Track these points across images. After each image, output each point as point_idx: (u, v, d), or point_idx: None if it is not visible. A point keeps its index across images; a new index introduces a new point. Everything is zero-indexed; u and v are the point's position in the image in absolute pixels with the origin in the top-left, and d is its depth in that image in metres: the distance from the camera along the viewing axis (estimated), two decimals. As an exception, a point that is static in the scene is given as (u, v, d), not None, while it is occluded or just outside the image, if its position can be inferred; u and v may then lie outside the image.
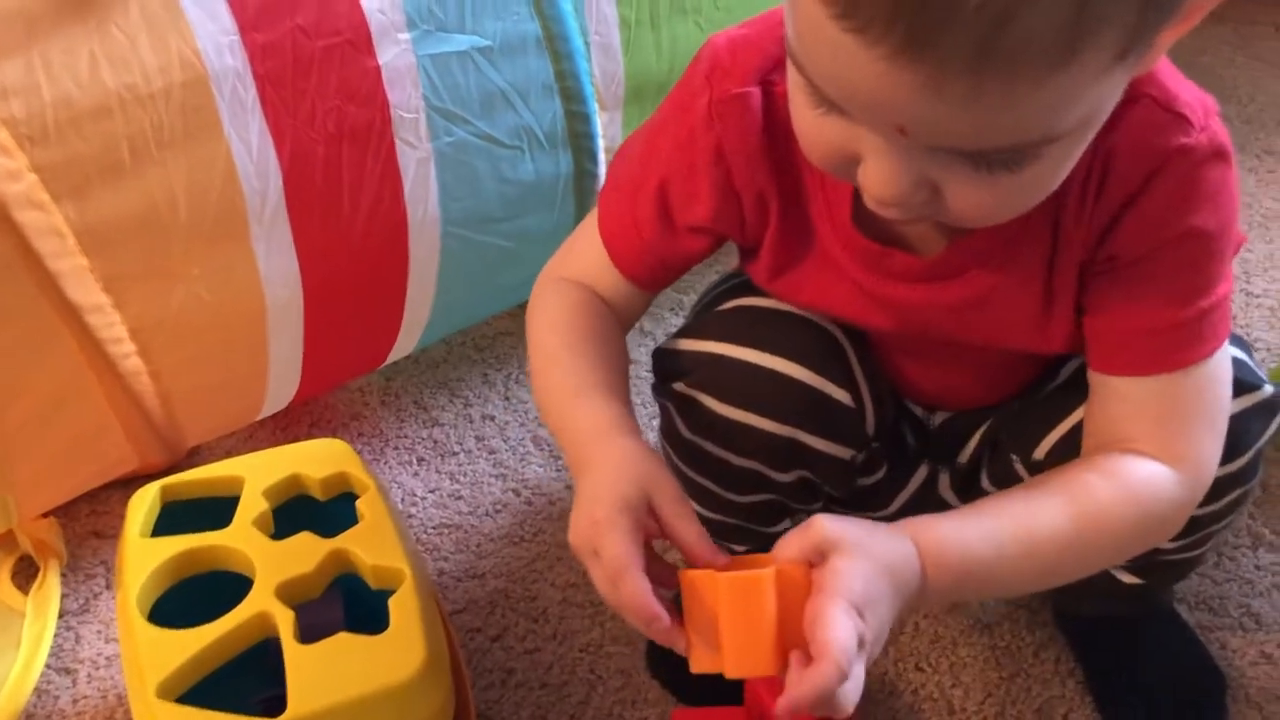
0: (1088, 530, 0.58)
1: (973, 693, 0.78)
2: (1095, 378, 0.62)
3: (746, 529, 0.75)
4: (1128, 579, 0.73)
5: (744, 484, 0.70)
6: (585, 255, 0.69)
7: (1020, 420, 0.70)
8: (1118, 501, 0.59)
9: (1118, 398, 0.61)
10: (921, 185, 0.51)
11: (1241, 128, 1.40)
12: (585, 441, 0.60)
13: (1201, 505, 0.63)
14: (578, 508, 0.57)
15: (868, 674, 0.77)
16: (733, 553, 0.77)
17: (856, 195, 0.57)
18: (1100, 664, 0.79)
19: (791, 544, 0.54)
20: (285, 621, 0.63)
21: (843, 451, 0.69)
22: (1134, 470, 0.59)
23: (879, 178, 0.51)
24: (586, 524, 0.56)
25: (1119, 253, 0.59)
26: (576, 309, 0.67)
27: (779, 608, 0.52)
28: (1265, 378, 0.65)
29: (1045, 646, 0.81)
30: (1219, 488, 0.63)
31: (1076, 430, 0.66)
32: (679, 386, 0.68)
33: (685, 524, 0.57)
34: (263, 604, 0.64)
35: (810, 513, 0.76)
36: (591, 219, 0.69)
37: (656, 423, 0.77)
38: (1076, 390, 0.66)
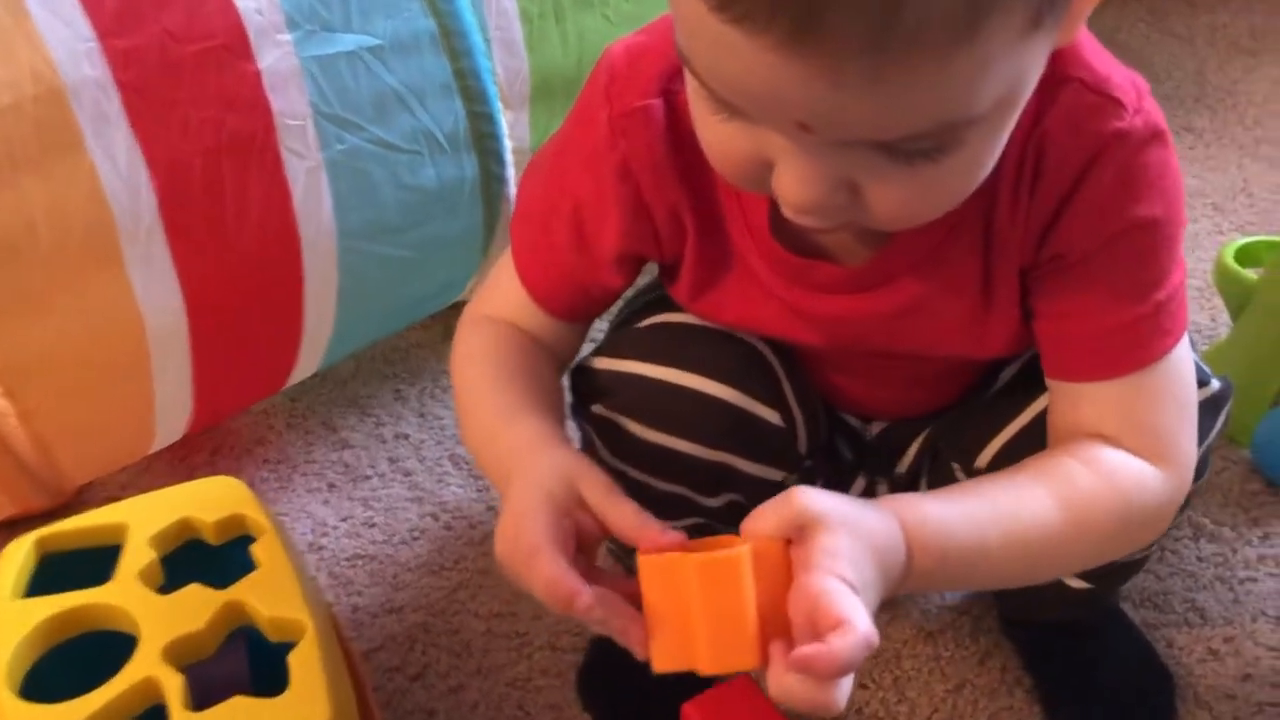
0: (1074, 525, 0.55)
1: (919, 708, 0.75)
2: (1054, 383, 0.59)
3: None
4: (1076, 584, 0.70)
5: (670, 509, 0.66)
6: (505, 292, 0.65)
7: (961, 428, 0.67)
8: (1102, 494, 0.56)
9: (1084, 403, 0.58)
10: (839, 187, 0.47)
11: (1161, 104, 1.37)
12: (509, 458, 0.57)
13: None
14: (502, 517, 0.54)
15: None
16: None
17: (774, 205, 0.52)
18: (1048, 671, 0.76)
19: (767, 518, 0.49)
20: (173, 687, 0.57)
21: (774, 473, 0.65)
22: (1118, 463, 0.56)
23: (793, 183, 0.47)
24: (510, 529, 0.52)
25: (1064, 252, 0.56)
26: (500, 346, 0.63)
27: (756, 592, 0.47)
28: (1210, 372, 0.62)
29: (991, 654, 0.78)
30: None
31: (1020, 437, 0.63)
32: (598, 409, 0.64)
33: (618, 505, 0.53)
34: (149, 668, 0.58)
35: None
36: (507, 257, 0.65)
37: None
38: (1018, 395, 0.63)
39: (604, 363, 0.64)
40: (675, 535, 0.52)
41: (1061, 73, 0.52)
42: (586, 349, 0.68)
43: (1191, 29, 1.58)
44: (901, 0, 0.38)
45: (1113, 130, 0.53)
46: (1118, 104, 0.53)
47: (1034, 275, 0.57)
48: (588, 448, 0.67)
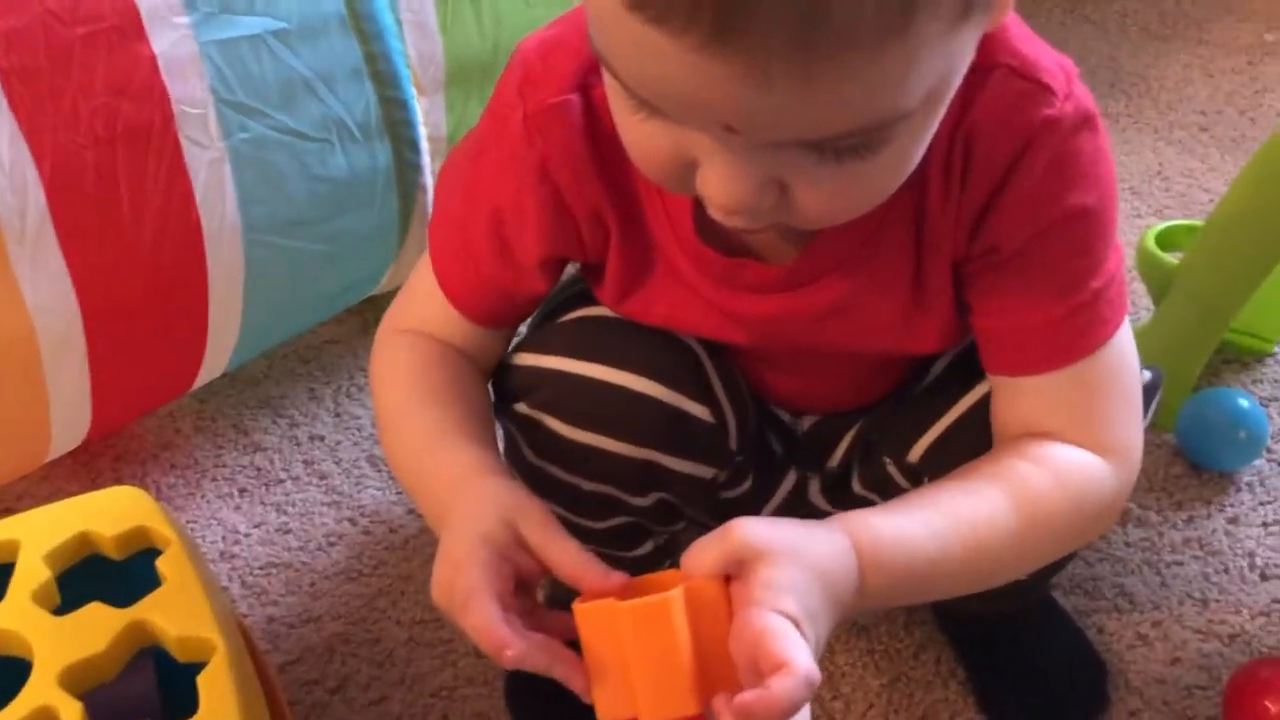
0: (1029, 526, 0.54)
1: (854, 704, 0.74)
2: (998, 379, 0.58)
3: (605, 554, 0.68)
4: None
5: (597, 509, 0.64)
6: (425, 301, 0.62)
7: (892, 422, 0.66)
8: (1054, 493, 0.55)
9: (1028, 396, 0.57)
10: (767, 187, 0.45)
11: (1077, 90, 1.41)
12: (443, 492, 0.55)
13: None
14: (438, 561, 0.51)
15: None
16: None
17: (699, 204, 0.50)
18: (982, 662, 0.76)
19: (705, 555, 0.47)
20: (72, 715, 0.54)
21: (704, 471, 0.64)
22: (1067, 459, 0.56)
23: (719, 184, 0.45)
24: (448, 571, 0.50)
25: (998, 244, 0.54)
26: (423, 362, 0.61)
27: (693, 634, 0.45)
28: (1140, 361, 0.62)
29: (925, 648, 0.78)
30: None
31: (952, 431, 0.62)
32: (520, 407, 0.62)
33: (559, 545, 0.51)
34: (43, 695, 0.55)
35: (672, 534, 0.70)
36: (424, 263, 0.62)
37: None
38: (950, 388, 0.62)
39: (526, 359, 0.62)
40: (618, 577, 0.50)
41: (989, 59, 0.51)
42: (508, 345, 0.66)
43: (1104, 15, 1.60)
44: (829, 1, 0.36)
45: (1043, 118, 0.52)
46: (1047, 90, 0.52)
47: (968, 269, 0.56)
48: (510, 447, 0.65)
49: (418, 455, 0.57)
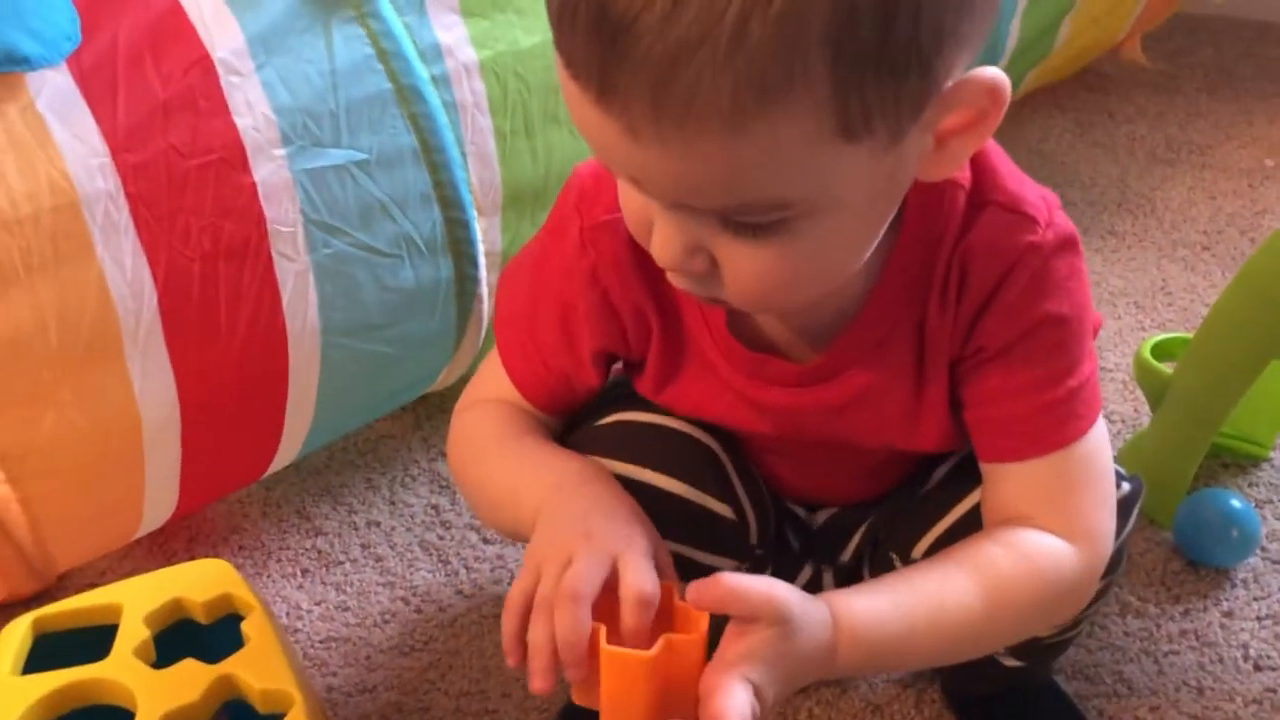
0: (995, 606, 0.61)
1: (867, 777, 0.79)
2: (984, 467, 0.65)
3: None
4: (1009, 662, 0.75)
5: None
6: (496, 383, 0.70)
7: (898, 520, 0.72)
8: (1021, 575, 0.61)
9: (1008, 482, 0.64)
10: (697, 252, 0.53)
11: (1086, 210, 1.49)
12: (572, 475, 0.63)
13: None
14: (568, 515, 0.58)
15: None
16: None
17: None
18: (987, 740, 0.81)
19: (743, 599, 0.54)
20: (176, 755, 0.61)
21: (727, 564, 0.70)
22: (1035, 544, 0.62)
23: (658, 241, 0.53)
24: (579, 532, 0.57)
25: (985, 344, 0.62)
26: (509, 412, 0.69)
27: (667, 677, 0.53)
28: (1123, 473, 0.69)
29: (934, 725, 0.83)
30: None
31: (952, 531, 0.68)
32: None
33: (639, 569, 0.57)
34: (146, 739, 0.62)
35: None
36: (493, 357, 0.71)
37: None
38: (949, 493, 0.69)
39: None
40: (660, 595, 0.56)
41: (982, 198, 0.60)
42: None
43: (1114, 139, 1.69)
44: (673, 76, 0.43)
45: (1027, 243, 0.60)
46: (1031, 220, 0.61)
47: (961, 368, 0.64)
48: None
49: (514, 473, 0.65)
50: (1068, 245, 0.62)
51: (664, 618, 0.56)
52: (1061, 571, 0.62)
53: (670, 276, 0.56)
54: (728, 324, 0.64)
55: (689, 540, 0.68)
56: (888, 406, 0.65)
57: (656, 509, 0.66)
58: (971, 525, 0.67)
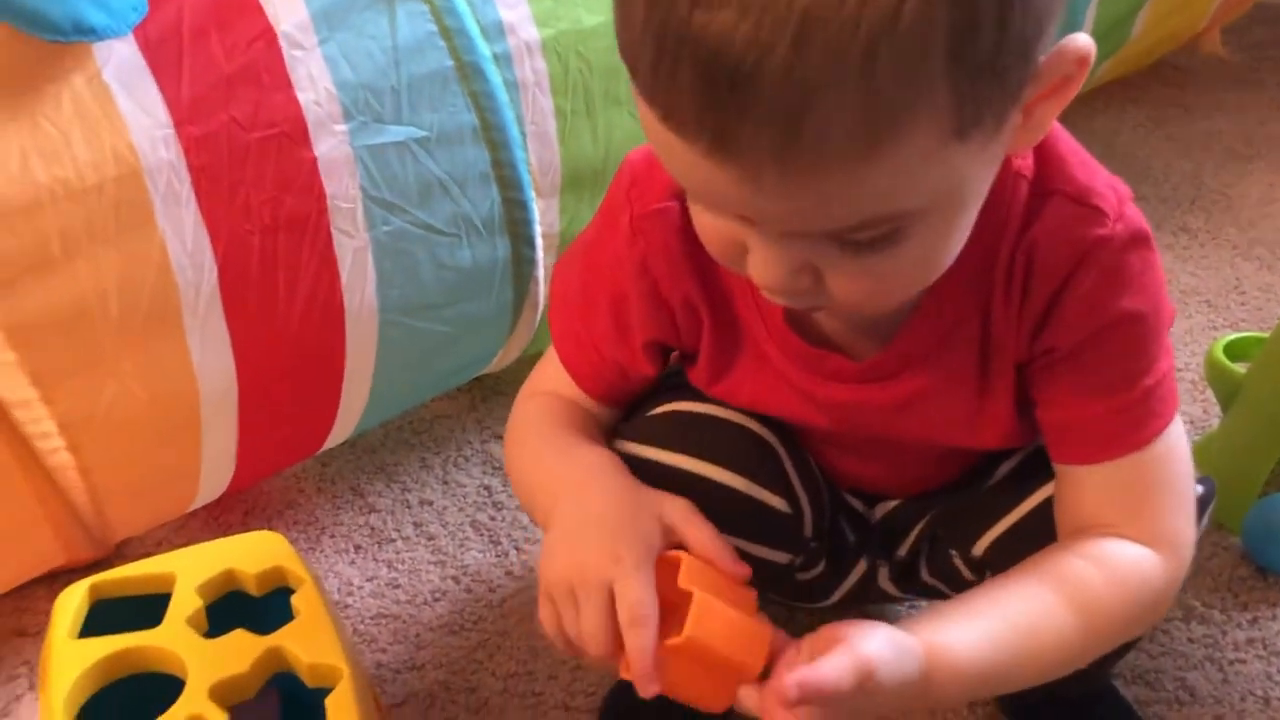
0: (1089, 631, 0.60)
1: (917, 775, 0.78)
2: (1059, 468, 0.63)
3: None
4: (1066, 668, 0.73)
5: None
6: (554, 375, 0.70)
7: (960, 516, 0.71)
8: (1113, 595, 0.60)
9: (1084, 486, 0.62)
10: (802, 271, 0.51)
11: (1159, 206, 1.45)
12: (576, 478, 0.62)
13: None
14: (566, 537, 0.59)
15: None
16: None
17: None
18: (1042, 744, 0.79)
19: (830, 691, 0.52)
20: (219, 726, 0.61)
21: (780, 556, 0.69)
22: (1123, 558, 0.60)
23: (760, 265, 0.51)
24: (596, 558, 0.57)
25: (1056, 345, 0.60)
26: (561, 406, 0.69)
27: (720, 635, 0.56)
28: (1195, 474, 0.66)
29: (987, 724, 0.81)
30: None
31: (1016, 528, 0.67)
32: None
33: (699, 529, 0.59)
34: (196, 706, 0.62)
35: None
36: (553, 348, 0.71)
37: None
38: (1015, 489, 0.67)
39: (624, 446, 0.68)
40: (744, 568, 0.58)
41: (1047, 186, 0.58)
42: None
43: (1188, 134, 1.64)
44: (799, 125, 0.42)
45: (1095, 237, 0.58)
46: (1099, 213, 0.58)
47: (1031, 369, 0.62)
48: None
49: (545, 458, 0.65)
50: (1138, 239, 0.59)
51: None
52: (1150, 585, 0.60)
53: (764, 292, 0.55)
54: (785, 317, 0.63)
55: (741, 533, 0.66)
56: (949, 405, 0.64)
57: (709, 501, 0.65)
58: (1036, 525, 0.66)
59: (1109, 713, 0.80)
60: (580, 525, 0.59)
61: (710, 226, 0.53)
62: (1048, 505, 0.66)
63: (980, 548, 0.69)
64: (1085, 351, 0.60)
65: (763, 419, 0.69)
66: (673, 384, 0.71)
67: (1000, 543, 0.68)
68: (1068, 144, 0.59)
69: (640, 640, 0.54)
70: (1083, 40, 0.49)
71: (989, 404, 0.63)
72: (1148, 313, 0.60)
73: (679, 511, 0.59)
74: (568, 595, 0.57)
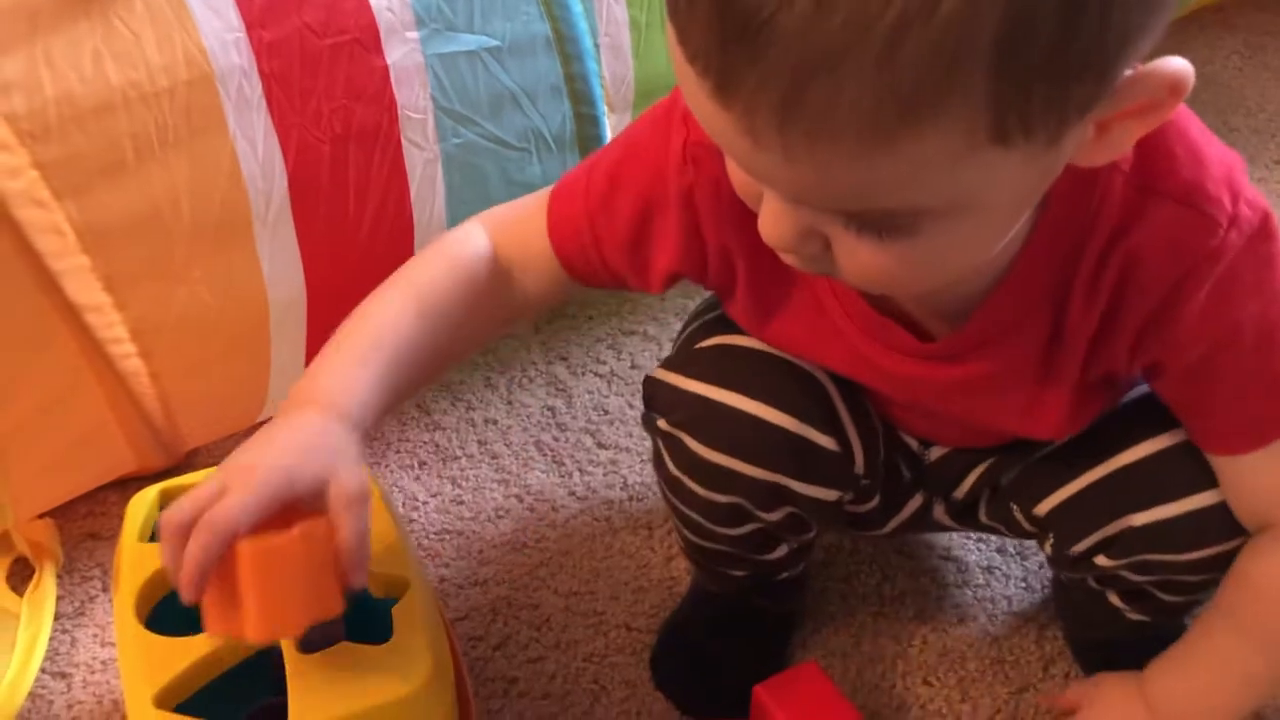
0: None
1: (981, 708, 0.77)
2: (1215, 458, 0.62)
3: (742, 556, 0.74)
4: (1134, 616, 0.72)
5: (730, 519, 0.69)
6: (526, 229, 0.65)
7: (1027, 471, 0.69)
8: None
9: (1247, 476, 0.61)
10: (810, 236, 0.48)
11: (1251, 138, 1.39)
12: (311, 392, 0.57)
13: (1220, 564, 0.64)
14: (253, 444, 0.55)
15: (872, 687, 0.77)
16: (727, 576, 0.76)
17: None
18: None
19: None
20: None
21: (829, 494, 0.68)
22: None
23: (767, 219, 0.49)
24: (244, 466, 0.54)
25: (1163, 360, 0.58)
26: (463, 271, 0.63)
27: (309, 566, 0.53)
28: None
29: (1054, 661, 0.80)
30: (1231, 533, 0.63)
31: (1084, 495, 0.65)
32: (663, 424, 0.67)
33: (348, 533, 0.54)
34: (264, 613, 0.63)
35: (801, 542, 0.74)
36: (541, 198, 0.65)
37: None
38: (1087, 450, 0.65)
39: (672, 378, 0.67)
40: (360, 581, 0.56)
41: (1149, 185, 0.53)
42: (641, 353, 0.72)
43: (1285, 63, 1.57)
44: (806, 89, 0.38)
45: (1205, 250, 0.53)
46: (1210, 220, 0.53)
47: (1158, 385, 0.60)
48: (656, 456, 0.70)
49: (343, 343, 0.60)
50: (1257, 235, 0.54)
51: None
52: None
53: (777, 251, 0.51)
54: None
55: (789, 471, 0.65)
56: (1005, 393, 0.61)
57: (756, 438, 0.64)
58: (1110, 491, 0.64)
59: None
60: (263, 433, 0.55)
61: (732, 173, 0.51)
62: (1121, 474, 0.64)
63: (1045, 507, 0.67)
64: (1206, 363, 0.57)
65: None
66: (721, 315, 0.69)
67: (1066, 506, 0.66)
68: (1176, 129, 0.53)
69: (202, 540, 0.51)
70: (1177, 65, 0.44)
71: (1044, 397, 0.60)
72: (1272, 311, 0.56)
73: (343, 498, 0.53)
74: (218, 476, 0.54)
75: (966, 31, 0.37)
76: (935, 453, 0.72)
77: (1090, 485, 0.65)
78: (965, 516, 0.74)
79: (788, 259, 0.51)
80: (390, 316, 0.61)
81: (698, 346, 0.68)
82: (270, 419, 0.57)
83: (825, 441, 0.65)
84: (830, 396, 0.66)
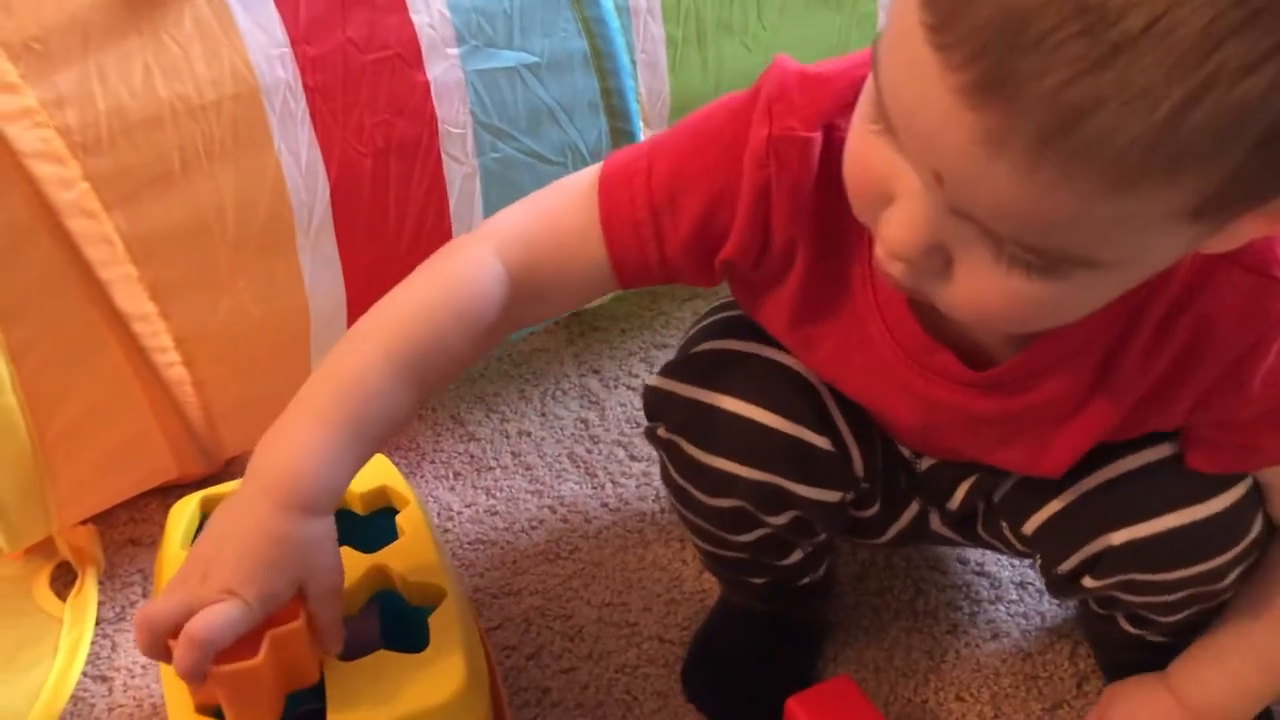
0: None
1: (1014, 724, 0.77)
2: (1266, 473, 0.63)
3: (758, 563, 0.74)
4: (1152, 638, 0.71)
5: (737, 524, 0.69)
6: (565, 229, 0.60)
7: (1016, 488, 0.68)
8: None
9: None
10: (936, 252, 0.47)
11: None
12: (276, 478, 0.56)
13: (1207, 582, 0.64)
14: (224, 541, 0.55)
15: (904, 701, 0.77)
16: (749, 585, 0.76)
17: None
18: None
19: None
20: (325, 636, 0.62)
21: (830, 495, 0.67)
22: None
23: (898, 225, 0.47)
24: (231, 563, 0.54)
25: (1235, 417, 0.58)
26: (454, 298, 0.59)
27: (279, 665, 0.56)
28: None
29: (1087, 679, 0.80)
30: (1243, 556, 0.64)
31: (1065, 512, 0.64)
32: (662, 432, 0.67)
33: (326, 613, 0.58)
34: (301, 619, 0.64)
35: (815, 545, 0.74)
36: (561, 189, 0.62)
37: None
38: (1076, 467, 0.64)
39: (666, 384, 0.67)
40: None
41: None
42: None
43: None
44: (1086, 117, 0.38)
45: (1277, 315, 0.54)
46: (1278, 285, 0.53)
47: (1205, 428, 0.61)
48: (662, 466, 0.71)
49: (317, 398, 0.58)
50: None
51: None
52: None
53: (879, 261, 0.50)
54: (908, 300, 0.59)
55: (785, 473, 0.65)
56: (1034, 429, 0.61)
57: (751, 441, 0.64)
58: (1087, 508, 0.64)
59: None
60: (246, 542, 0.55)
61: (864, 161, 0.49)
62: (1102, 490, 0.63)
63: (1031, 526, 0.67)
64: (1275, 413, 0.58)
65: None
66: (718, 320, 0.69)
67: (1051, 523, 0.65)
68: None
69: (190, 655, 0.52)
70: None
71: (1064, 439, 0.60)
72: None
73: (319, 597, 0.57)
74: (197, 568, 0.55)
75: (1254, 110, 0.38)
76: (925, 463, 0.72)
77: (1072, 502, 0.64)
78: (964, 529, 0.74)
79: (892, 268, 0.49)
80: (360, 372, 0.57)
81: (692, 352, 0.68)
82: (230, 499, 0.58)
83: (820, 442, 0.65)
84: (822, 397, 0.65)
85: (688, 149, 0.59)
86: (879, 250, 0.50)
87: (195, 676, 0.53)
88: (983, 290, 0.47)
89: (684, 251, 0.60)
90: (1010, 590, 0.86)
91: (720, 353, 0.66)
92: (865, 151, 0.49)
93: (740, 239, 0.59)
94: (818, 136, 0.56)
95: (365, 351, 0.57)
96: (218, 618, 0.52)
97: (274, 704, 0.58)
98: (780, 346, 0.65)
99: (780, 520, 0.68)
